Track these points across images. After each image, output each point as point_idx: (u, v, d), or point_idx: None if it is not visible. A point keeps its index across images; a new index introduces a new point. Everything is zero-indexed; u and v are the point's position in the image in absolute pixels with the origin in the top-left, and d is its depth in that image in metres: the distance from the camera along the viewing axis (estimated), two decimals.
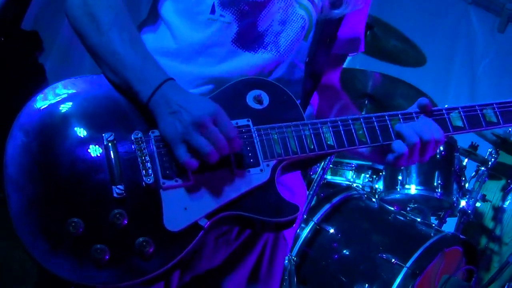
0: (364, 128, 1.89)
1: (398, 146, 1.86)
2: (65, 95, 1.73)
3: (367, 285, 3.61)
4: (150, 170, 1.69)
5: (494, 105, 2.01)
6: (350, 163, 4.56)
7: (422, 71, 5.16)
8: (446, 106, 1.96)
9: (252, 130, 1.82)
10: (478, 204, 4.64)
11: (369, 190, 4.43)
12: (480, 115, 1.97)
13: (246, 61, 1.93)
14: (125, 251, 1.63)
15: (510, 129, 4.70)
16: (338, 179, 4.59)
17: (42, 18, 4.74)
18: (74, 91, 1.74)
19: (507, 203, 4.90)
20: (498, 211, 4.92)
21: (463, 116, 1.95)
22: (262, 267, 2.01)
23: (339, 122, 1.88)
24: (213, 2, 1.92)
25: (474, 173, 4.60)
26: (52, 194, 1.61)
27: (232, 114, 1.80)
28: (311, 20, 2.02)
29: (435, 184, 4.35)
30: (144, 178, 1.67)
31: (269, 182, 1.78)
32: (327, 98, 2.17)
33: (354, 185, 4.43)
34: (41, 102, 1.71)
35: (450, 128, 1.92)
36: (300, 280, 3.65)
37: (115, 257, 1.61)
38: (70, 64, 5.54)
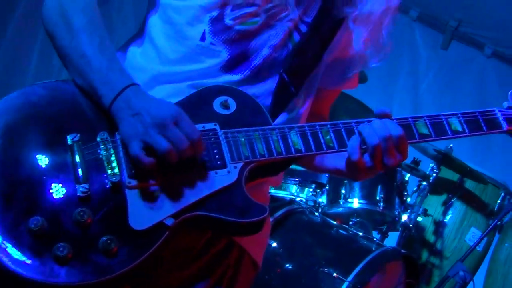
0: (331, 133, 1.91)
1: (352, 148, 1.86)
2: (30, 98, 1.74)
3: None
4: (116, 169, 1.70)
5: (459, 114, 2.02)
6: (293, 178, 4.56)
7: (366, 87, 5.19)
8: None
9: (219, 133, 1.83)
10: (419, 219, 4.74)
11: (312, 204, 4.43)
12: (445, 123, 1.98)
13: (228, 81, 1.96)
14: (89, 249, 1.62)
15: (451, 145, 4.81)
16: (281, 193, 4.60)
17: None
18: (39, 94, 1.76)
19: (448, 217, 5.00)
20: (439, 226, 5.01)
21: (428, 124, 1.96)
22: None
23: (306, 127, 1.90)
24: (204, 30, 1.94)
25: (416, 187, 4.68)
26: (13, 193, 1.60)
27: (199, 118, 1.83)
28: (292, 38, 2.03)
29: (378, 198, 4.41)
30: (109, 177, 1.68)
31: (236, 183, 1.79)
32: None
33: (298, 199, 4.43)
34: (5, 103, 1.73)
35: (416, 135, 1.94)
36: None
37: (78, 256, 1.60)
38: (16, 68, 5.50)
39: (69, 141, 1.69)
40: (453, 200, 5.01)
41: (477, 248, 4.66)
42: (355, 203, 4.30)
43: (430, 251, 4.98)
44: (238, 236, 1.97)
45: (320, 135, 1.90)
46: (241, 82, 1.98)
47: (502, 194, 4.95)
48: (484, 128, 2.01)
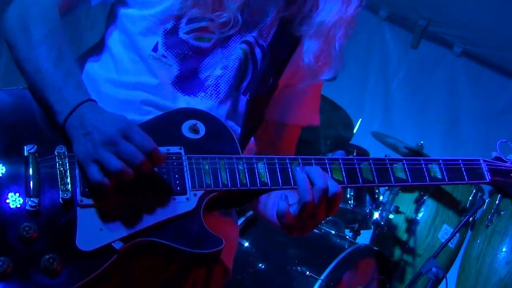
0: (299, 169, 1.87)
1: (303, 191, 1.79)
2: None
3: None
4: (69, 185, 1.66)
5: (441, 161, 2.01)
6: None
7: (337, 86, 5.24)
8: (387, 155, 1.96)
9: (183, 158, 1.80)
10: (391, 216, 4.82)
11: None
12: (424, 169, 1.97)
13: (186, 105, 1.94)
14: (31, 266, 1.58)
15: (422, 142, 4.93)
16: None
17: None
18: (3, 100, 1.75)
19: (420, 215, 5.04)
20: (412, 223, 5.04)
21: (406, 169, 1.95)
22: None
23: (276, 160, 1.86)
24: (157, 41, 1.95)
25: None
26: None
27: (165, 141, 1.80)
28: (247, 62, 2.05)
29: (348, 196, 4.49)
30: (61, 193, 1.64)
31: (194, 212, 1.75)
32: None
33: None
34: None
35: (392, 179, 1.92)
36: None
37: (18, 272, 1.57)
38: None
39: (25, 152, 1.67)
40: (425, 197, 5.05)
41: (450, 244, 4.79)
42: None
43: (403, 249, 5.04)
44: (193, 266, 1.96)
45: (289, 169, 1.87)
46: (195, 103, 1.97)
47: (474, 190, 4.98)
48: (466, 178, 2.00)
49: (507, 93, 6.39)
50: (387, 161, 1.93)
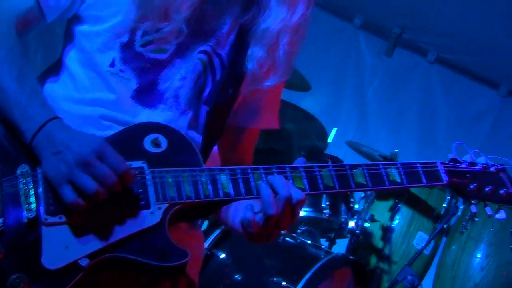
0: (263, 178, 1.89)
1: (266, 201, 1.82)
2: None
3: None
4: (33, 205, 1.66)
5: (399, 165, 2.04)
6: None
7: (312, 95, 5.29)
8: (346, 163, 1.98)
9: (146, 172, 1.81)
10: (367, 225, 4.79)
11: None
12: (383, 174, 1.99)
13: (147, 118, 1.95)
14: None
15: (396, 150, 4.93)
16: None
17: None
18: None
19: (395, 222, 5.05)
20: (387, 231, 5.03)
21: (366, 174, 1.97)
22: None
23: (238, 170, 1.89)
24: (114, 57, 1.95)
25: (363, 194, 4.73)
26: None
27: (128, 156, 1.79)
28: (206, 72, 2.07)
29: (323, 205, 4.45)
30: (25, 212, 1.65)
31: (159, 225, 1.76)
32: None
33: None
34: None
35: (352, 185, 1.94)
36: None
37: None
38: None
39: None
40: (399, 205, 5.08)
41: (425, 251, 4.77)
42: (301, 211, 4.29)
43: (378, 257, 5.03)
44: (158, 279, 1.95)
45: (251, 179, 1.89)
46: (156, 115, 1.98)
47: (448, 197, 4.99)
48: (424, 180, 2.03)
49: (481, 99, 6.42)
50: (346, 167, 1.96)
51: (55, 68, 2.05)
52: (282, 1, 2.04)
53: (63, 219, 1.67)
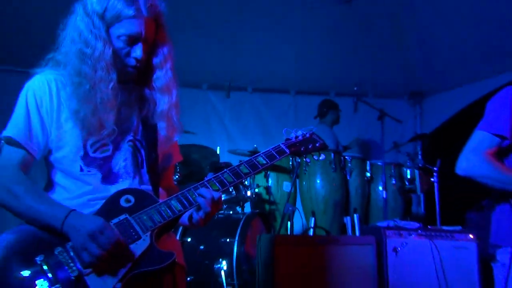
0: (195, 194, 2.11)
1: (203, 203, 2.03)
2: (3, 243, 1.85)
3: (220, 259, 4.26)
4: (74, 267, 1.83)
5: (261, 154, 2.29)
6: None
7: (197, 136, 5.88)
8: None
9: (130, 219, 1.98)
10: (257, 190, 5.61)
11: None
12: (256, 162, 2.24)
13: (115, 190, 2.10)
14: None
15: (255, 145, 5.79)
16: None
17: None
18: (6, 238, 1.87)
19: (270, 182, 6.00)
20: (268, 189, 5.93)
21: (247, 166, 2.21)
22: None
23: (179, 195, 2.07)
24: (80, 165, 2.10)
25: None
26: None
27: (114, 215, 1.98)
28: (136, 151, 2.23)
29: (230, 189, 5.07)
30: (71, 273, 1.81)
31: (150, 245, 1.95)
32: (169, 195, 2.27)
33: None
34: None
35: (242, 175, 2.18)
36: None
37: None
38: None
39: (38, 261, 1.82)
40: (268, 172, 5.96)
41: (292, 191, 5.54)
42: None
43: (269, 204, 5.90)
44: (163, 275, 2.05)
45: (189, 197, 2.09)
46: (120, 186, 2.12)
47: (291, 158, 5.83)
48: (277, 156, 2.32)
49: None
50: (235, 166, 2.20)
51: (48, 186, 2.18)
52: (161, 93, 2.19)
53: (94, 268, 1.87)
